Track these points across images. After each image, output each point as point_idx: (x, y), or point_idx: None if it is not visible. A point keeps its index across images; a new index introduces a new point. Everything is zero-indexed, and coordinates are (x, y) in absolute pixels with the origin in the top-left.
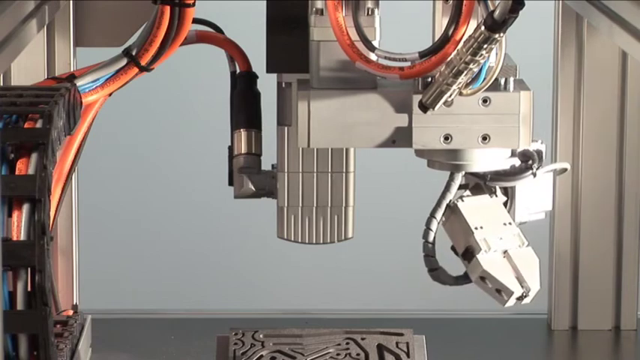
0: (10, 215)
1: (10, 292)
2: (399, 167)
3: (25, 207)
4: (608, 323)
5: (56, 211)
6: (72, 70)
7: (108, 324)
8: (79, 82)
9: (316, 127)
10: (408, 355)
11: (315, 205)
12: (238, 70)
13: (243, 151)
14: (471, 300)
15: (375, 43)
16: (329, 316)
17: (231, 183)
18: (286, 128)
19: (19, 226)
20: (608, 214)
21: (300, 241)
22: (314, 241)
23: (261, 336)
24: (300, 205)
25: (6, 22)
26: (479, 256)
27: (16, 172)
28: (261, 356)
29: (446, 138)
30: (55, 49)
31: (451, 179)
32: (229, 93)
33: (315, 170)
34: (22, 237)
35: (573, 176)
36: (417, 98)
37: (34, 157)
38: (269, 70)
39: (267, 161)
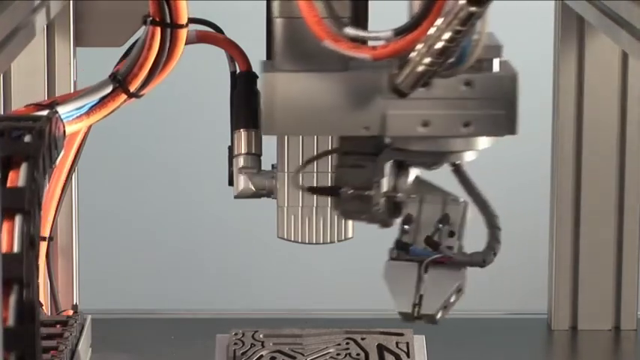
0: None
1: None
2: None
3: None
4: (608, 323)
5: (56, 211)
6: (71, 71)
7: (108, 324)
8: (62, 110)
9: (282, 113)
10: (408, 355)
11: (315, 205)
12: (238, 70)
13: (243, 151)
14: (471, 300)
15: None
16: (329, 316)
17: (231, 183)
18: None
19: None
20: (608, 214)
21: (300, 241)
22: (314, 241)
23: (261, 336)
24: (300, 205)
25: (6, 22)
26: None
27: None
28: (261, 356)
29: (424, 124)
30: (55, 49)
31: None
32: (229, 93)
33: (315, 170)
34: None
35: (574, 176)
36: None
37: (23, 169)
38: None
39: (268, 161)
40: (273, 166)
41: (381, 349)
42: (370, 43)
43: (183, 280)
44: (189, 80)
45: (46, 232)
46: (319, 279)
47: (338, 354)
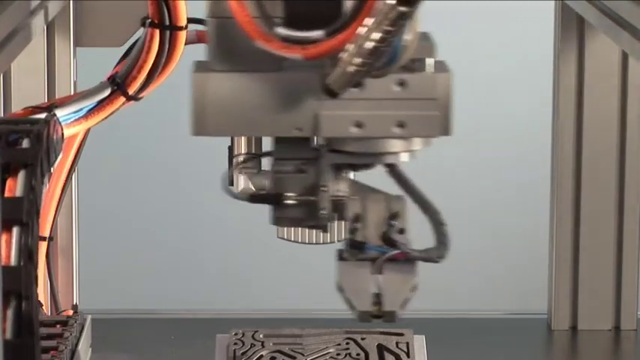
0: None
1: None
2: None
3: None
4: (608, 323)
5: (56, 211)
6: (71, 71)
7: (108, 324)
8: (60, 113)
9: (213, 113)
10: (408, 355)
11: None
12: None
13: (242, 151)
14: (471, 300)
15: None
16: (329, 316)
17: (231, 183)
18: None
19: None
20: (608, 214)
21: (299, 241)
22: (313, 242)
23: (261, 336)
24: None
25: (6, 22)
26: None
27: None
28: (261, 356)
29: (358, 125)
30: (55, 49)
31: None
32: None
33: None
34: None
35: (574, 176)
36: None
37: (21, 177)
38: None
39: (267, 161)
40: None
41: (381, 349)
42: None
43: (183, 280)
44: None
45: (46, 232)
46: (319, 279)
47: (338, 354)
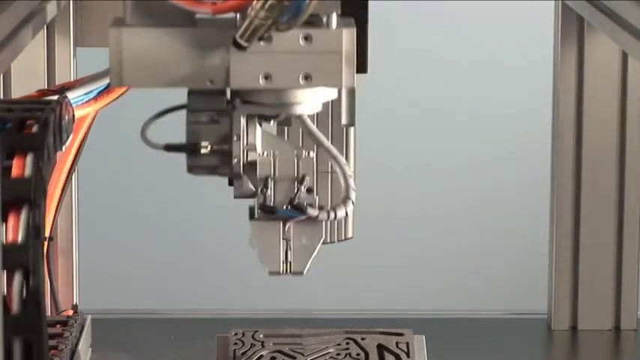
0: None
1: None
2: (399, 167)
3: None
4: (608, 323)
5: (56, 212)
6: (72, 71)
7: (108, 324)
8: (71, 95)
9: (129, 66)
10: (408, 355)
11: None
12: None
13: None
14: (470, 300)
15: None
16: (329, 316)
17: (231, 183)
18: (286, 128)
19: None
20: (608, 214)
21: None
22: None
23: (261, 336)
24: None
25: (6, 22)
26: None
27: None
28: (261, 356)
29: (266, 77)
30: (55, 49)
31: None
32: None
33: (315, 170)
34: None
35: (574, 176)
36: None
37: (29, 159)
38: None
39: None
40: None
41: (381, 349)
42: None
43: (183, 280)
44: None
45: (46, 232)
46: (319, 279)
47: (338, 354)
